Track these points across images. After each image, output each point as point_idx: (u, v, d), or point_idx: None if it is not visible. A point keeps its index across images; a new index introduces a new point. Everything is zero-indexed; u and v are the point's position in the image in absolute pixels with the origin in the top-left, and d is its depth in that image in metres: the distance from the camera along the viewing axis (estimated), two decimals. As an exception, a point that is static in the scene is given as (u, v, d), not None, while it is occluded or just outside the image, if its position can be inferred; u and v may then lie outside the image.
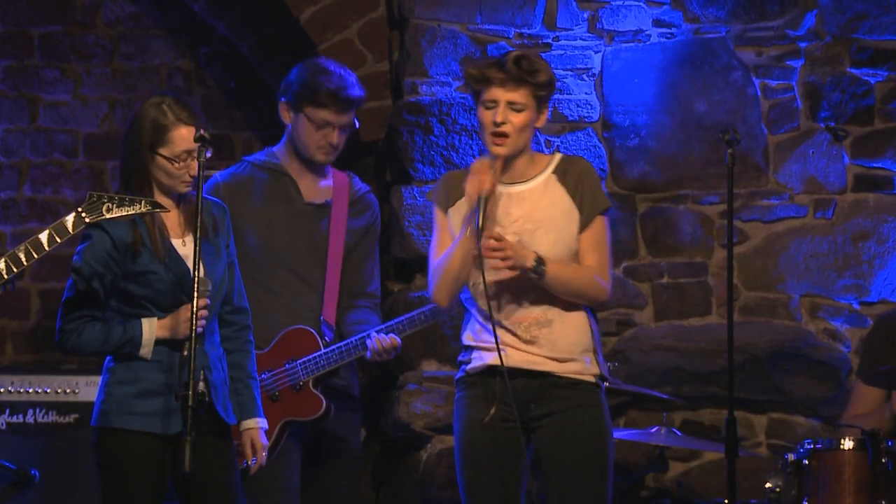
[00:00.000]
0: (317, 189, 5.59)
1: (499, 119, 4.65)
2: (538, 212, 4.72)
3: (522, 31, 6.39)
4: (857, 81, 6.45)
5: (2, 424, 6.09)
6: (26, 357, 7.08)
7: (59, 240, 4.48)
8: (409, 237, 6.29)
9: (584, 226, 4.72)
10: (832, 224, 6.43)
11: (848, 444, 5.28)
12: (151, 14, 7.27)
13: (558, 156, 4.82)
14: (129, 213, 4.48)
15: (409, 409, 6.23)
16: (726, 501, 4.93)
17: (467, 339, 4.80)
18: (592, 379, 4.72)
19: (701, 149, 6.40)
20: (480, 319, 4.76)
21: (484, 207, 4.62)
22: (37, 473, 6.03)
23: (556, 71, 6.27)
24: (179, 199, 4.77)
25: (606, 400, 4.79)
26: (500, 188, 4.74)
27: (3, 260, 4.45)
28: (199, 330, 4.64)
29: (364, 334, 5.43)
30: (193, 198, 4.73)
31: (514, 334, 4.71)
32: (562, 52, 6.39)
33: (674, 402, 6.12)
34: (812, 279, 6.41)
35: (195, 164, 4.68)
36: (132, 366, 4.67)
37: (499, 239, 4.59)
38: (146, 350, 4.65)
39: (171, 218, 4.75)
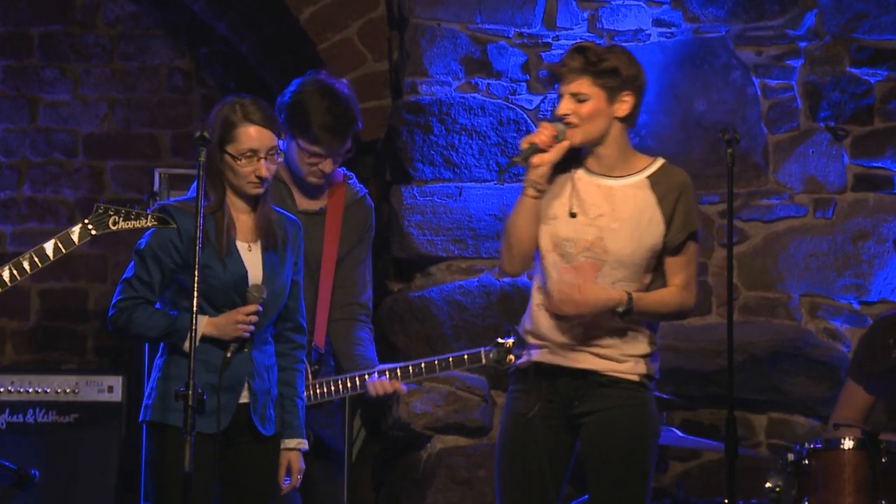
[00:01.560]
0: (312, 196, 5.51)
1: (559, 112, 4.64)
2: (623, 212, 4.65)
3: (522, 30, 6.39)
4: (857, 81, 6.45)
5: (2, 424, 6.10)
6: (26, 357, 7.09)
7: (63, 250, 4.54)
8: (409, 237, 6.29)
9: (671, 244, 4.66)
10: (832, 223, 6.43)
11: (848, 443, 5.27)
12: (151, 14, 7.28)
13: (659, 162, 4.75)
14: (136, 226, 4.53)
15: (409, 409, 6.23)
16: (726, 501, 4.92)
17: (523, 330, 4.75)
18: (636, 378, 4.66)
19: (701, 148, 6.40)
20: (532, 305, 4.72)
21: (528, 156, 4.61)
22: (37, 473, 6.03)
23: (555, 70, 6.34)
24: (255, 205, 4.77)
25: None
26: (591, 178, 4.70)
27: (7, 268, 4.52)
28: (247, 334, 4.68)
29: (361, 373, 5.28)
30: (272, 210, 4.78)
31: (568, 330, 4.65)
32: (561, 51, 6.37)
33: (674, 401, 6.11)
34: (812, 279, 6.41)
35: (263, 165, 4.69)
36: (179, 362, 4.69)
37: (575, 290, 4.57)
38: (189, 343, 4.65)
39: (244, 222, 4.76)
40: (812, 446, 5.34)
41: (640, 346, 4.69)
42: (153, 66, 7.28)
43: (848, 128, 6.45)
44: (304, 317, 4.93)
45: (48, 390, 6.14)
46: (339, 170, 5.47)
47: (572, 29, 6.41)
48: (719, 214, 6.40)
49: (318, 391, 5.28)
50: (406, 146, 6.31)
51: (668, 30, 6.45)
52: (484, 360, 5.26)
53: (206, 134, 4.57)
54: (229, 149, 4.70)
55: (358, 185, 5.54)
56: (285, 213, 4.91)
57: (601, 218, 4.65)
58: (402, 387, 5.27)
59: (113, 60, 7.26)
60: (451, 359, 5.29)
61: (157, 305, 4.76)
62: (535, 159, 4.62)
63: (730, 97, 6.42)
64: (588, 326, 4.64)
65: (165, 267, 4.71)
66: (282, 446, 4.82)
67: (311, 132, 5.22)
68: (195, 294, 4.48)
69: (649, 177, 4.70)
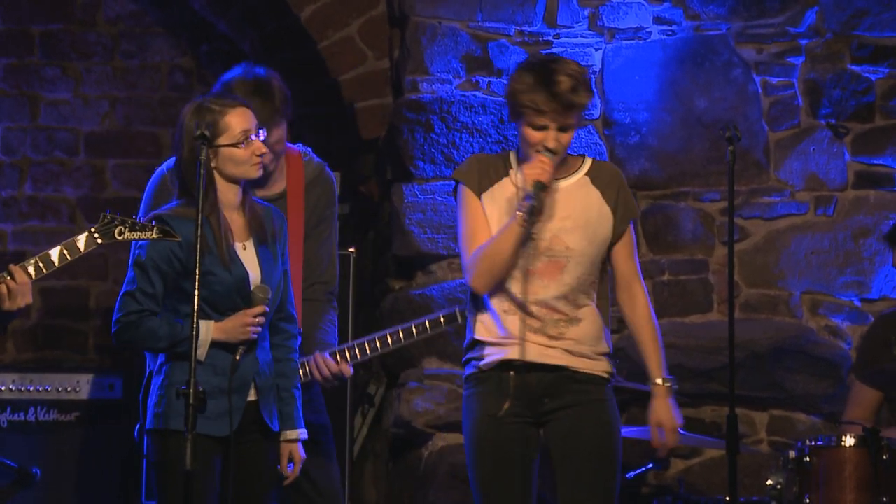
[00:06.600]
0: (270, 180, 5.19)
1: (552, 146, 4.63)
2: (575, 211, 4.71)
3: (523, 28, 6.39)
4: (858, 78, 6.45)
5: (3, 422, 6.10)
6: (27, 355, 7.09)
7: (69, 258, 4.51)
8: (410, 235, 6.28)
9: (618, 233, 4.74)
10: (833, 221, 6.44)
11: (849, 440, 5.28)
12: (152, 12, 7.28)
13: (589, 159, 4.81)
14: (141, 237, 4.50)
15: (411, 406, 6.23)
16: (727, 498, 4.93)
17: (480, 334, 4.74)
18: (605, 375, 4.73)
19: (702, 146, 6.40)
20: (498, 312, 4.72)
21: (539, 195, 4.60)
22: (38, 471, 6.03)
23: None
24: (241, 205, 4.75)
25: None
26: None
27: (5, 275, 4.48)
28: (254, 336, 4.67)
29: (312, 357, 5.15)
30: (256, 204, 4.75)
31: (540, 329, 4.68)
32: (562, 49, 6.39)
33: (675, 398, 6.11)
34: (813, 276, 6.41)
35: (259, 144, 4.69)
36: (185, 367, 4.64)
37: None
38: (201, 351, 4.62)
39: (235, 221, 4.73)
40: (813, 443, 5.35)
41: (605, 345, 4.76)
42: (154, 64, 7.28)
43: (849, 125, 6.46)
44: (293, 305, 4.90)
45: (49, 389, 6.14)
46: (296, 146, 5.29)
47: (573, 27, 6.41)
48: (720, 212, 6.40)
49: None
50: (407, 144, 6.31)
51: (669, 27, 6.45)
52: (444, 323, 5.24)
53: (206, 132, 4.57)
54: (223, 140, 4.68)
55: (316, 158, 5.33)
56: (267, 203, 4.89)
57: (553, 219, 4.69)
58: (347, 367, 5.15)
59: (114, 58, 7.26)
60: (400, 331, 5.23)
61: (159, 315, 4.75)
62: (543, 194, 4.62)
63: (731, 95, 6.42)
64: (570, 320, 4.69)
65: (167, 277, 4.68)
66: (282, 438, 4.81)
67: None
68: (196, 289, 4.47)
69: (587, 173, 4.77)
